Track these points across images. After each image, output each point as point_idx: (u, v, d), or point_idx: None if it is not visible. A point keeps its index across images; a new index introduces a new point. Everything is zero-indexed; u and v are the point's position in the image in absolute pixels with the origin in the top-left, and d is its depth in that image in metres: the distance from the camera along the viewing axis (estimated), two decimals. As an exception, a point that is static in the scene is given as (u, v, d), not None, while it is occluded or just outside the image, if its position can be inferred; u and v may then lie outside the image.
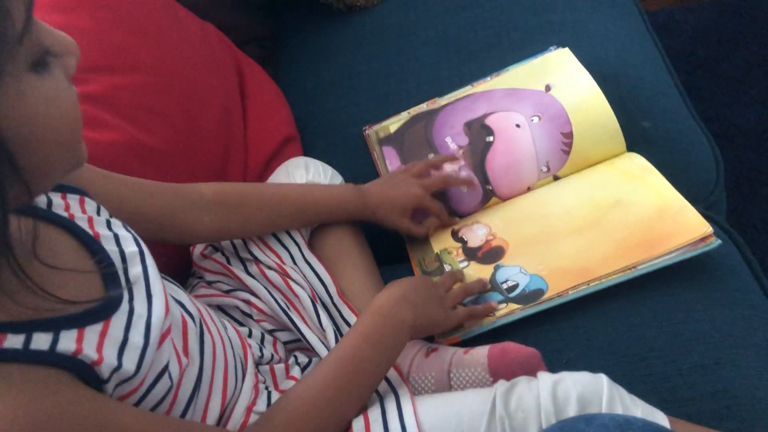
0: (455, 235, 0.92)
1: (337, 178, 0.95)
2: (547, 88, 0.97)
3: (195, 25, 1.07)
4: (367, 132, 1.06)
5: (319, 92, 1.19)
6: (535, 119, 0.95)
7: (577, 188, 0.90)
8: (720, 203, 0.93)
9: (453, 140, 0.98)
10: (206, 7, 1.17)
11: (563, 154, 0.93)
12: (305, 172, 0.92)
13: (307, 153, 1.09)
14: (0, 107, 0.40)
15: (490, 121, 0.97)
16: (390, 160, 1.00)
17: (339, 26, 1.27)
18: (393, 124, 1.04)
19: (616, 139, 0.91)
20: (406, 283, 0.73)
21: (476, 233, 0.91)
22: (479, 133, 0.97)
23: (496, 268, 0.84)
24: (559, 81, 0.97)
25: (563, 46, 1.02)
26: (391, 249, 0.93)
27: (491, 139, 0.96)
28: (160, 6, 1.01)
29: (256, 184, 0.89)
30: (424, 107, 1.05)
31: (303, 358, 0.77)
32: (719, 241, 0.75)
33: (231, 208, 0.79)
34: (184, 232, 0.76)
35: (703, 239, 0.76)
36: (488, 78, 1.04)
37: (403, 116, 1.05)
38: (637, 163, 0.88)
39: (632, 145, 0.91)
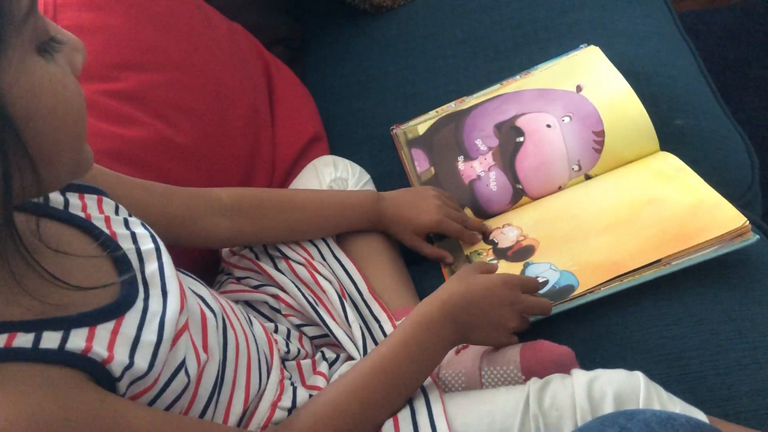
0: (486, 238, 0.91)
1: (365, 176, 0.94)
2: (578, 88, 0.95)
3: (224, 25, 1.08)
4: (394, 131, 1.06)
5: (345, 92, 1.18)
6: (566, 119, 0.94)
7: (609, 187, 0.89)
8: (755, 202, 0.91)
9: (483, 142, 0.97)
10: (235, 8, 1.18)
11: (595, 152, 0.92)
12: (334, 170, 0.92)
13: (333, 152, 1.08)
14: (5, 78, 0.41)
15: (520, 123, 0.96)
16: (419, 162, 1.00)
17: (365, 27, 1.27)
18: (421, 124, 1.04)
19: (648, 137, 0.90)
20: (460, 296, 0.67)
21: (507, 235, 0.90)
22: (509, 133, 0.96)
23: (526, 266, 0.83)
24: (590, 81, 0.96)
25: (592, 45, 1.01)
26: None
27: (521, 139, 0.95)
28: (191, 6, 1.02)
29: (273, 190, 0.88)
30: (452, 106, 1.04)
31: (330, 354, 0.77)
32: (757, 237, 0.74)
33: (247, 213, 0.79)
34: (201, 235, 0.76)
35: (739, 234, 0.74)
36: (517, 77, 1.03)
37: (431, 115, 1.04)
38: (671, 163, 0.87)
39: (665, 144, 0.90)
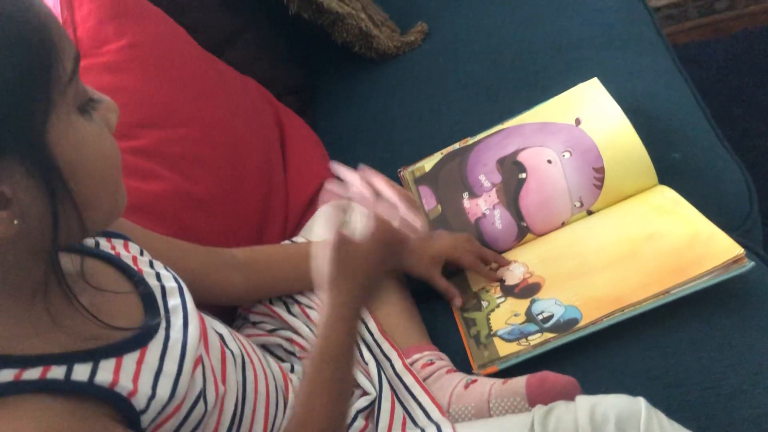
0: (493, 274, 0.94)
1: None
2: (578, 121, 0.98)
3: (236, 79, 1.14)
4: (401, 173, 1.09)
5: (354, 138, 1.23)
6: (567, 154, 0.96)
7: (610, 223, 0.91)
8: (755, 230, 0.93)
9: (486, 178, 0.99)
10: (247, 62, 1.24)
11: (596, 189, 0.94)
12: (343, 213, 0.95)
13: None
14: (54, 134, 0.46)
15: (522, 158, 0.99)
16: (426, 199, 1.03)
17: (372, 74, 1.32)
18: (427, 163, 1.08)
19: (647, 172, 0.92)
20: (349, 284, 0.65)
21: (514, 273, 0.92)
22: (511, 169, 0.98)
23: (532, 302, 0.86)
24: (589, 114, 0.98)
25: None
26: (428, 285, 0.95)
27: (524, 176, 0.98)
28: (204, 64, 1.07)
29: (284, 246, 0.91)
30: (456, 147, 1.08)
31: (345, 391, 0.79)
32: (752, 263, 0.76)
33: (259, 266, 0.83)
34: (216, 290, 0.80)
35: (735, 261, 0.76)
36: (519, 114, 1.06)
37: (436, 156, 1.08)
38: (669, 197, 0.89)
39: (663, 177, 0.92)
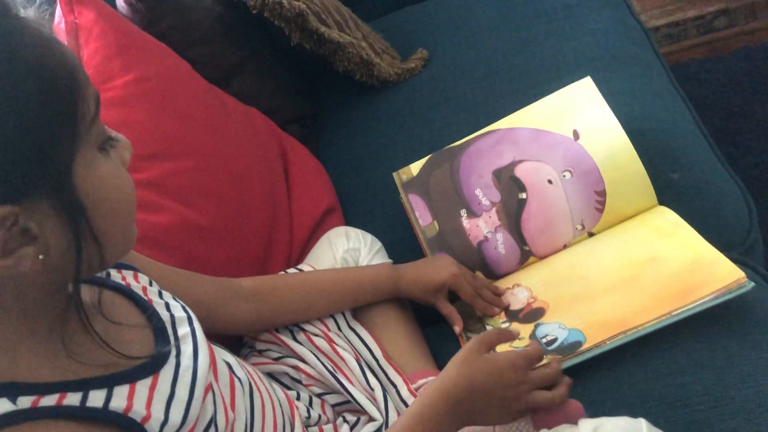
0: (498, 299, 0.95)
1: (376, 244, 0.99)
2: (576, 135, 0.97)
3: (240, 110, 1.16)
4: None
5: (357, 164, 1.25)
6: (567, 174, 0.96)
7: (612, 246, 0.92)
8: (756, 247, 0.93)
9: (484, 194, 0.97)
10: (252, 93, 1.26)
11: (597, 212, 0.95)
12: (346, 241, 0.97)
13: (348, 221, 1.14)
14: (79, 172, 0.49)
15: (520, 173, 0.98)
16: (419, 212, 1.00)
17: (374, 101, 1.34)
18: (414, 166, 1.04)
19: (647, 194, 0.93)
20: (464, 384, 0.67)
21: (518, 297, 0.93)
22: (510, 186, 0.97)
23: (537, 326, 0.86)
24: (587, 126, 0.96)
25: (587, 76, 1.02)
26: (434, 309, 0.95)
27: (524, 196, 0.98)
28: (208, 96, 1.09)
29: (290, 275, 0.92)
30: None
31: (351, 417, 0.80)
32: (752, 284, 0.76)
33: (266, 297, 0.84)
34: (224, 320, 0.81)
35: (736, 282, 0.77)
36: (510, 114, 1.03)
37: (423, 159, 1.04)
38: (669, 219, 0.90)
39: (662, 197, 0.93)
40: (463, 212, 0.99)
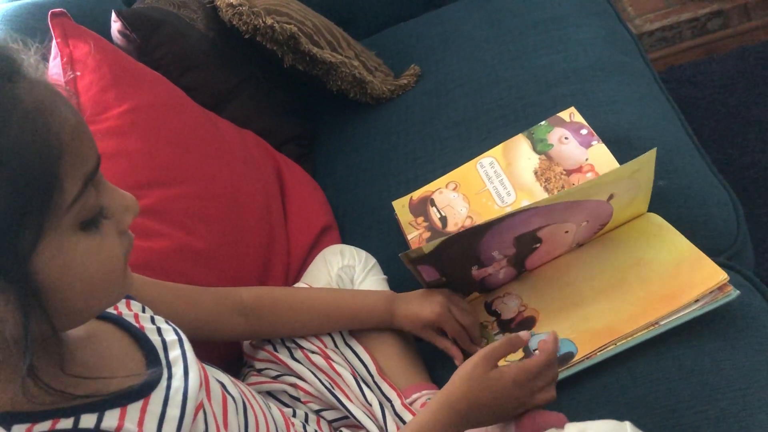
0: (489, 308, 0.95)
1: (371, 261, 1.01)
2: (611, 197, 0.89)
3: (235, 134, 1.18)
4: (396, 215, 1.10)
5: (352, 181, 1.27)
6: (584, 223, 0.92)
7: (598, 252, 0.93)
8: (744, 252, 0.94)
9: (499, 252, 0.90)
10: (247, 116, 1.29)
11: (594, 234, 0.94)
12: (341, 258, 0.99)
13: (344, 239, 1.16)
14: (40, 259, 0.47)
15: (542, 233, 0.90)
16: (426, 274, 0.91)
17: (368, 118, 1.37)
18: (426, 245, 0.86)
19: (642, 209, 0.93)
20: (468, 401, 0.70)
21: (508, 305, 0.94)
22: (527, 242, 0.91)
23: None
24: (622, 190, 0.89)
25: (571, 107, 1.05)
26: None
27: (537, 246, 0.92)
28: (203, 122, 1.12)
29: (291, 292, 0.92)
30: (447, 191, 1.07)
31: (347, 432, 0.82)
32: (737, 292, 0.77)
33: (263, 312, 0.86)
34: (221, 333, 0.84)
35: (721, 289, 0.78)
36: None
37: (435, 242, 0.86)
38: (654, 221, 0.91)
39: (650, 204, 0.94)
40: (475, 267, 0.92)
